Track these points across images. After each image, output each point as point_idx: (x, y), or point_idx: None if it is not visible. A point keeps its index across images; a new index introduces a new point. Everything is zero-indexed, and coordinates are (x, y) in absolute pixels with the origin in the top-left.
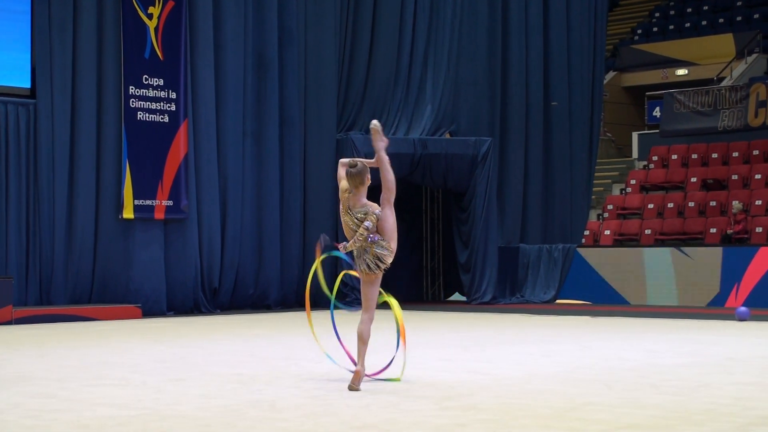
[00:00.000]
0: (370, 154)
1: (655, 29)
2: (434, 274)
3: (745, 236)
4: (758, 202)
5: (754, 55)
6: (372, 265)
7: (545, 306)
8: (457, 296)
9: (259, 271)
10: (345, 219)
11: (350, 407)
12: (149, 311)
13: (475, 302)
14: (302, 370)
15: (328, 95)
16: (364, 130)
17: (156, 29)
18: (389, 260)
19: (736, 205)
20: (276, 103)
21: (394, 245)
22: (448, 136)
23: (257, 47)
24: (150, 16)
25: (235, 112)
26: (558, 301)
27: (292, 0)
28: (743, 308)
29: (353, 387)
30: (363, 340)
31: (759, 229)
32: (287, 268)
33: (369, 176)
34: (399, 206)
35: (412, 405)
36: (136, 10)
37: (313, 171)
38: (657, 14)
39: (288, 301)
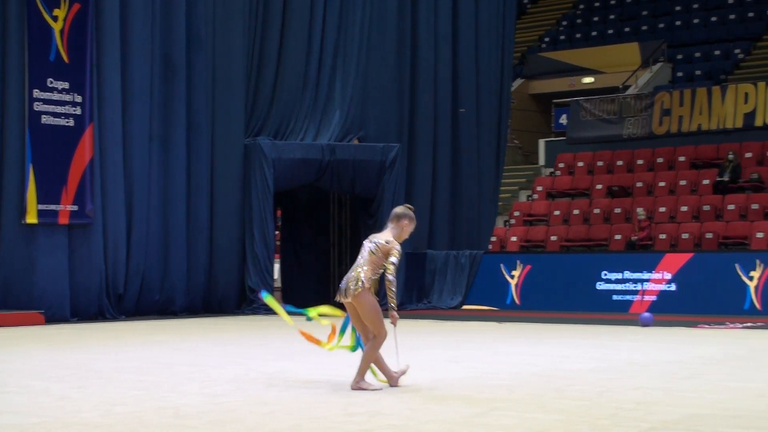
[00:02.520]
0: (279, 161)
1: (562, 37)
2: (342, 278)
3: (649, 243)
4: (662, 209)
5: (659, 64)
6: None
7: (452, 312)
8: None
9: (164, 277)
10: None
11: (255, 414)
12: (53, 317)
13: (383, 308)
14: (207, 377)
15: (236, 100)
16: (271, 136)
17: (61, 32)
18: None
19: (640, 212)
20: (183, 107)
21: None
22: (356, 142)
23: (165, 51)
24: (55, 18)
25: (141, 116)
26: (465, 306)
27: (200, 4)
28: (647, 314)
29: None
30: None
31: (663, 236)
32: (194, 274)
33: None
34: (307, 212)
35: (318, 412)
36: (41, 12)
37: (220, 176)
38: (564, 23)
39: (194, 308)
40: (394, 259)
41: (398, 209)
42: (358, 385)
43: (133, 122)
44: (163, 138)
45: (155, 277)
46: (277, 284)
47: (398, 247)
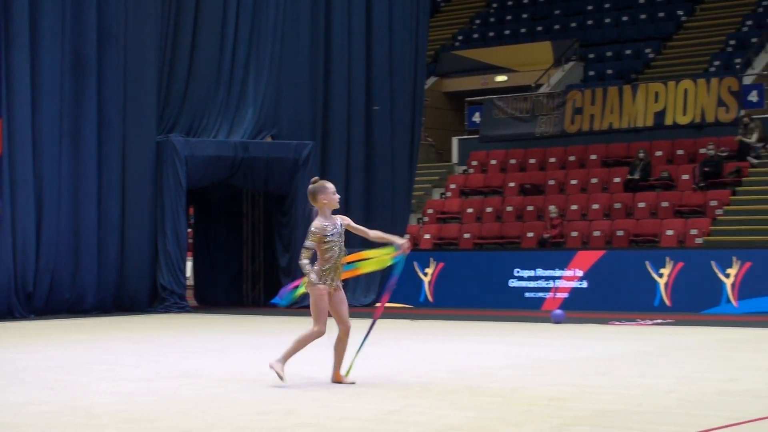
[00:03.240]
0: (191, 158)
1: (475, 36)
2: (255, 278)
3: (561, 240)
4: (574, 207)
5: (571, 63)
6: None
7: (366, 309)
8: (277, 300)
9: (75, 275)
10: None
11: (168, 413)
12: None
13: (296, 306)
14: (119, 376)
15: (148, 97)
16: (184, 133)
17: None
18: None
19: (552, 209)
20: (95, 103)
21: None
22: (269, 139)
23: (75, 47)
24: None
25: (51, 113)
26: (378, 304)
27: (110, 1)
28: (559, 311)
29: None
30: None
31: (574, 234)
32: (105, 272)
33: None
34: (220, 210)
35: (231, 410)
36: None
37: (132, 173)
38: (477, 21)
39: (105, 306)
40: (306, 242)
41: (309, 188)
42: (273, 363)
43: (43, 118)
44: (73, 135)
45: (65, 275)
46: (190, 282)
47: (312, 228)
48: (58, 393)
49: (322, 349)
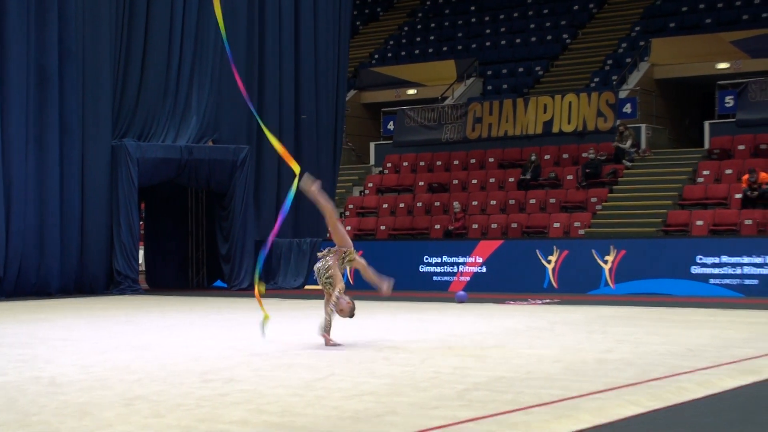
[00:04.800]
0: (142, 159)
1: (389, 54)
2: (199, 264)
3: (464, 231)
4: (474, 203)
5: (472, 79)
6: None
7: (295, 291)
8: (219, 283)
9: (40, 262)
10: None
11: (124, 382)
12: None
13: (235, 288)
14: (79, 350)
15: (104, 106)
16: (136, 137)
17: None
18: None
19: (456, 205)
20: (56, 112)
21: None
22: (210, 143)
23: (39, 62)
24: None
25: (18, 121)
26: (306, 287)
27: (71, 19)
28: (462, 292)
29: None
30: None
31: (475, 226)
32: (67, 259)
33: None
34: (168, 205)
35: (178, 379)
36: None
37: (90, 173)
38: (391, 42)
39: (67, 289)
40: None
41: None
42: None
43: (11, 126)
44: (38, 139)
45: (32, 262)
46: (142, 268)
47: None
48: (25, 365)
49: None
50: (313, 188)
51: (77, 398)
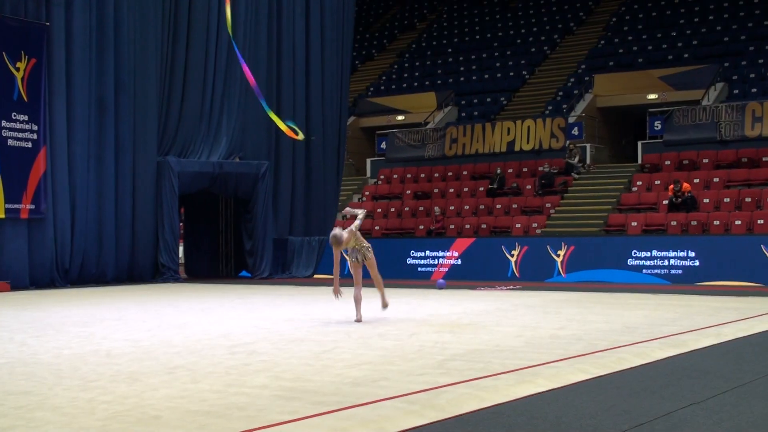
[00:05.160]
0: (182, 173)
1: (382, 87)
2: (228, 257)
3: (443, 231)
4: (451, 208)
5: (449, 107)
6: (360, 259)
7: (306, 279)
8: (244, 273)
9: (99, 256)
10: (348, 247)
11: (166, 354)
12: (16, 286)
13: (257, 277)
14: (130, 328)
15: (150, 129)
16: (177, 155)
17: (22, 79)
18: (370, 255)
19: (436, 209)
20: (112, 135)
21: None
22: (237, 159)
23: (99, 93)
24: (18, 69)
25: (81, 141)
26: (315, 276)
27: (125, 57)
28: (441, 280)
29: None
30: (358, 300)
31: (452, 226)
32: (121, 254)
33: (345, 236)
34: (202, 210)
35: (211, 351)
36: (7, 64)
37: (140, 183)
38: (384, 77)
39: (121, 278)
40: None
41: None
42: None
43: (75, 145)
44: (97, 156)
45: (92, 256)
46: (182, 261)
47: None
48: (86, 340)
49: (275, 309)
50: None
51: (128, 367)
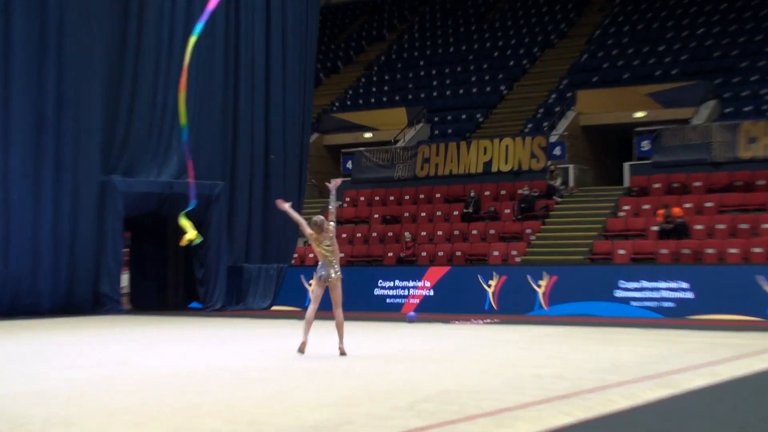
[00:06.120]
0: (127, 193)
1: (349, 102)
2: (177, 286)
3: (414, 258)
4: (423, 233)
5: (421, 124)
6: (324, 278)
7: (264, 312)
8: (194, 305)
9: (34, 285)
10: (318, 250)
11: (106, 394)
12: None
13: (209, 309)
14: (66, 364)
15: (94, 146)
16: (123, 174)
17: None
18: (338, 284)
19: (407, 235)
20: (52, 152)
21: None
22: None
23: (38, 106)
24: None
25: (18, 158)
26: (273, 308)
27: (68, 69)
28: (412, 313)
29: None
30: (309, 322)
31: (424, 253)
32: (57, 282)
33: (327, 225)
34: (150, 234)
35: (156, 391)
36: None
37: (81, 205)
38: (350, 91)
39: (57, 309)
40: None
41: (315, 221)
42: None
43: (10, 163)
44: (35, 175)
45: (26, 284)
46: (125, 290)
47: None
48: (15, 378)
49: (229, 344)
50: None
51: (63, 409)
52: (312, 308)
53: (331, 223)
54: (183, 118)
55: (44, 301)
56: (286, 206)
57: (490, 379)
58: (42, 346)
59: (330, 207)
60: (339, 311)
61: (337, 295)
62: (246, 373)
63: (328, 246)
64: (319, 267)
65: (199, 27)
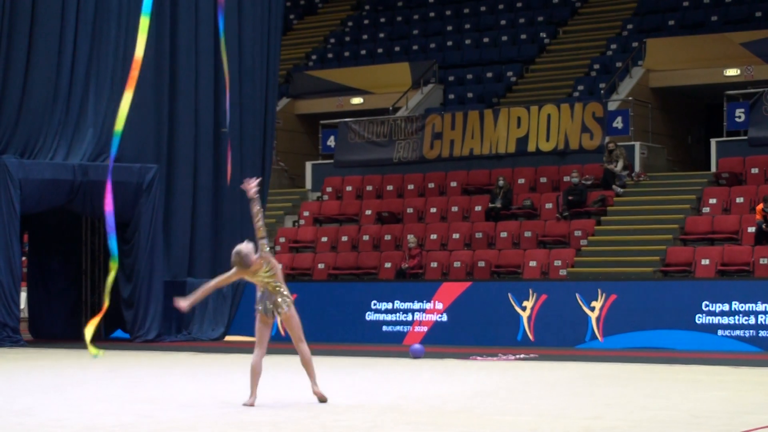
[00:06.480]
0: (25, 181)
1: (330, 55)
2: (95, 309)
3: (420, 271)
4: (433, 237)
5: (431, 86)
6: (271, 311)
7: (214, 343)
8: (119, 333)
9: None
10: (255, 280)
11: None
12: None
13: (139, 340)
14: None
15: None
16: (18, 154)
17: None
18: (288, 311)
19: (411, 239)
20: None
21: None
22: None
23: None
24: None
25: None
26: (227, 338)
27: None
28: (418, 346)
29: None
30: (256, 373)
31: (434, 264)
32: None
33: (254, 256)
34: (56, 237)
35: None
36: None
37: None
38: (332, 40)
39: None
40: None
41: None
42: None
43: None
44: None
45: None
46: (24, 314)
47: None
48: None
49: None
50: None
51: None
52: (259, 354)
53: (262, 241)
54: (120, 123)
55: None
56: (254, 191)
57: None
58: None
59: (257, 222)
60: (303, 346)
61: (295, 326)
62: (189, 425)
63: (267, 272)
64: (258, 297)
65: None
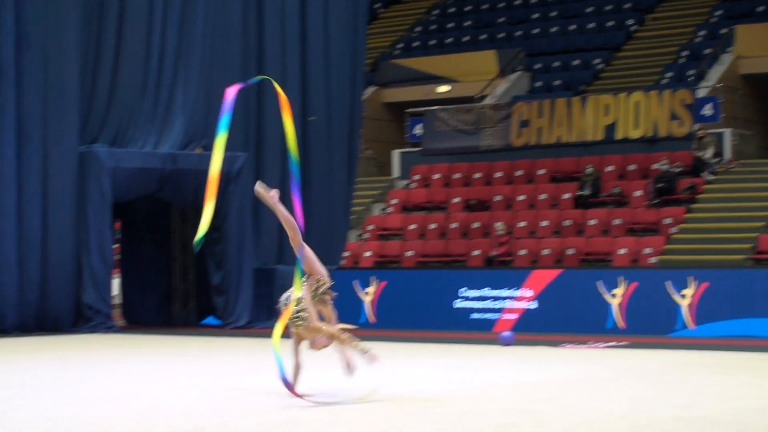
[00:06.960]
0: (117, 170)
1: (416, 44)
2: (186, 296)
3: (509, 258)
4: (521, 224)
5: (517, 73)
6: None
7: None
8: (210, 320)
9: None
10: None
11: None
12: None
13: (230, 326)
14: (41, 400)
15: (70, 105)
16: (109, 143)
17: None
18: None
19: (499, 226)
20: (12, 112)
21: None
22: (199, 151)
23: None
24: None
25: None
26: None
27: (29, 2)
28: (507, 333)
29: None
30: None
31: (523, 252)
32: (26, 290)
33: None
34: (147, 225)
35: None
36: None
37: (54, 186)
38: (418, 28)
39: (26, 326)
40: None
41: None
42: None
43: None
44: None
45: None
46: (117, 301)
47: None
48: None
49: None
50: (272, 194)
51: None
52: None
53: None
54: (293, 147)
55: (8, 315)
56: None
57: (614, 423)
58: (7, 375)
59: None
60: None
61: (329, 313)
62: (279, 414)
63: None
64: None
65: None
